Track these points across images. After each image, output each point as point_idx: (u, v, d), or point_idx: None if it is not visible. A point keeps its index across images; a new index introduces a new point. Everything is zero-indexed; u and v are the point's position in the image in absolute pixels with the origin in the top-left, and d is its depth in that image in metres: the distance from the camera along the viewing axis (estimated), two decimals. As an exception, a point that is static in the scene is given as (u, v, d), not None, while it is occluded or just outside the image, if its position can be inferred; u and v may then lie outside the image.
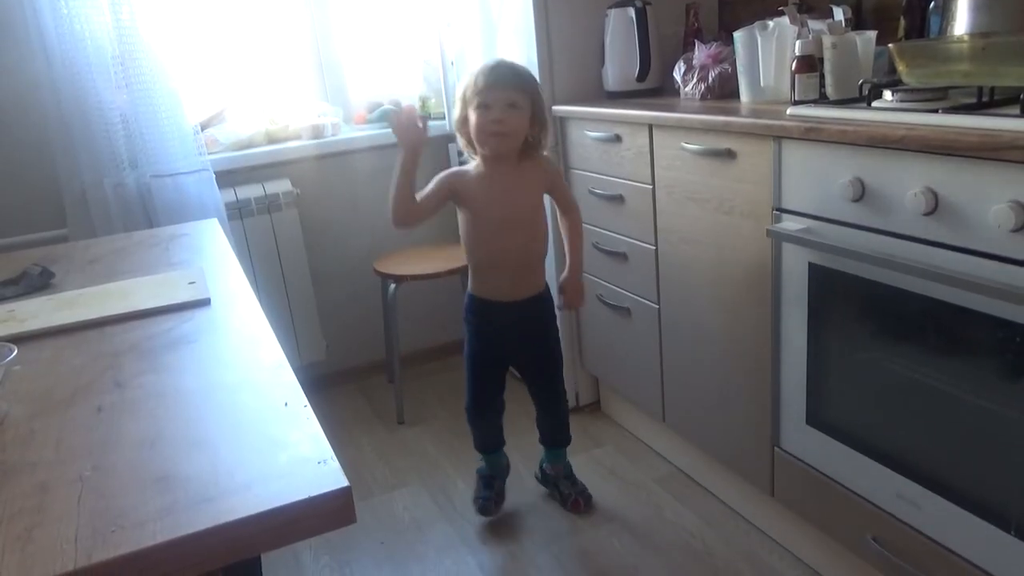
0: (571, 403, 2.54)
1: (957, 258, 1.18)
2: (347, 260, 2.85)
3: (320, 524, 0.65)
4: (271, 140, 2.73)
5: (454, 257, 2.63)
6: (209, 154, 2.50)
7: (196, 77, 2.63)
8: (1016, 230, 1.09)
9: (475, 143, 1.72)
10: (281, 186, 2.66)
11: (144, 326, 1.13)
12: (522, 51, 2.27)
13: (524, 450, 2.35)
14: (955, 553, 1.29)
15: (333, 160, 2.78)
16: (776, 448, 1.69)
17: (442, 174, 1.82)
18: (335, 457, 0.71)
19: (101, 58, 2.25)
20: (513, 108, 1.66)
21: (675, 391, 2.04)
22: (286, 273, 2.69)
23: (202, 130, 2.55)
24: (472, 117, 1.68)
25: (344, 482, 0.66)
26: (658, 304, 2.03)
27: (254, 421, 0.80)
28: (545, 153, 1.81)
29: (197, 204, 2.38)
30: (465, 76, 1.71)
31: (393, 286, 2.54)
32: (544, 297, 1.90)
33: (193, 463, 0.72)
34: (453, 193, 1.78)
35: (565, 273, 1.92)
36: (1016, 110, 1.13)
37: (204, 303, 1.21)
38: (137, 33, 2.26)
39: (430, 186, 1.80)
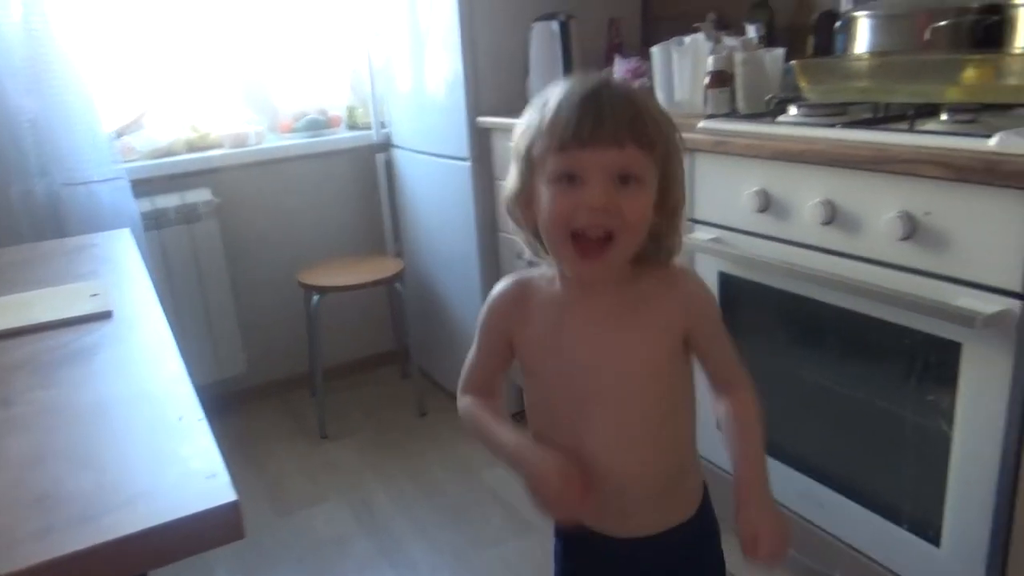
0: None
1: (853, 266, 1.23)
2: (270, 271, 2.79)
3: (206, 541, 0.64)
4: (191, 148, 2.66)
5: (379, 267, 2.61)
6: (125, 162, 2.42)
7: (113, 82, 2.55)
8: (904, 239, 1.15)
9: (547, 245, 0.87)
10: (201, 195, 2.59)
11: (40, 340, 1.09)
12: (448, 62, 2.27)
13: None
14: (855, 548, 1.34)
15: (257, 169, 2.73)
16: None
17: (489, 302, 0.97)
18: (226, 471, 0.69)
19: (8, 60, 2.16)
20: (629, 184, 0.81)
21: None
22: (205, 285, 2.62)
23: (118, 137, 2.47)
24: (543, 194, 0.84)
25: (232, 496, 0.65)
26: (581, 314, 2.05)
27: (145, 436, 0.78)
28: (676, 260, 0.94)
29: (111, 213, 2.30)
30: (532, 104, 0.88)
31: (317, 297, 2.50)
32: (697, 524, 1.00)
33: (77, 481, 0.69)
34: (508, 334, 0.95)
35: (737, 502, 0.89)
36: (906, 125, 1.19)
37: (105, 316, 1.17)
38: (49, 35, 2.18)
39: (477, 339, 1.00)
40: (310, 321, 2.64)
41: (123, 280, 1.37)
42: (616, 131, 0.80)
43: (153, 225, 2.49)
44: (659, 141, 0.83)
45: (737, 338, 1.59)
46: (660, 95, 1.84)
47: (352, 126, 2.93)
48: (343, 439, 2.56)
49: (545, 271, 0.95)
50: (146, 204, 2.48)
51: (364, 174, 2.91)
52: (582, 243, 0.83)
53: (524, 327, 0.93)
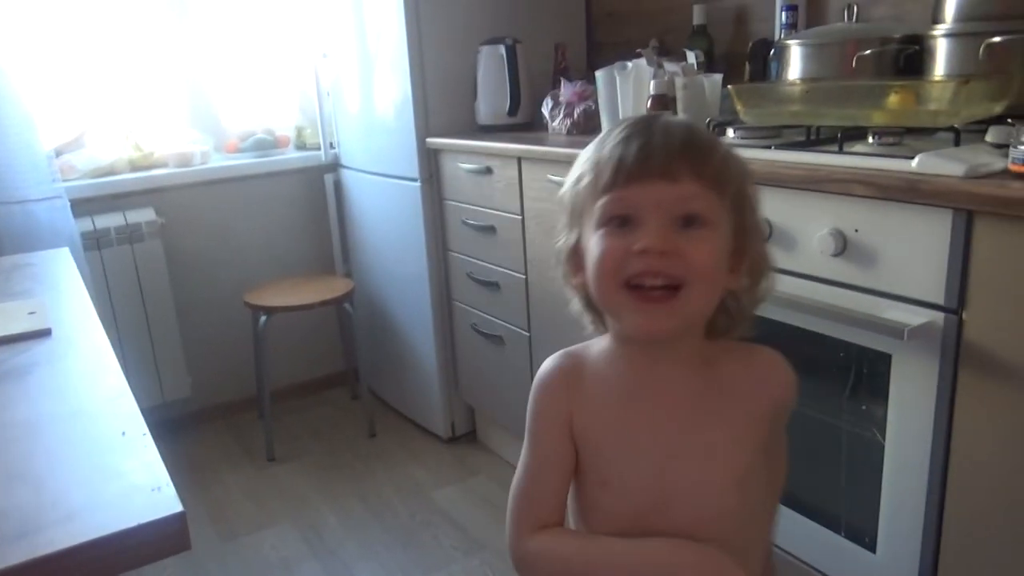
0: (447, 434, 2.55)
1: (789, 281, 1.28)
2: (216, 292, 2.75)
3: (151, 552, 0.63)
4: (135, 167, 2.62)
5: (328, 288, 2.60)
6: (65, 181, 2.37)
7: (53, 100, 2.50)
8: (836, 255, 1.20)
9: (599, 302, 0.75)
10: (145, 215, 2.55)
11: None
12: (397, 84, 2.29)
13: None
14: (795, 556, 1.38)
15: (202, 189, 2.69)
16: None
17: (537, 388, 0.81)
18: (171, 484, 0.68)
19: (-59, 77, 2.10)
20: (693, 226, 0.68)
21: (547, 417, 2.08)
22: (148, 306, 2.56)
23: (58, 156, 2.42)
24: (590, 244, 0.72)
25: (178, 508, 0.64)
26: (529, 332, 2.07)
27: (87, 452, 0.77)
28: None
29: (49, 233, 2.25)
30: (586, 150, 0.75)
31: (264, 318, 2.47)
32: None
33: (13, 497, 0.68)
34: (568, 423, 0.78)
35: None
36: (835, 147, 1.24)
37: (44, 334, 1.14)
38: (-15, 51, 2.13)
39: (529, 447, 0.82)
40: (257, 343, 2.61)
41: (62, 299, 1.35)
42: (668, 160, 0.67)
43: (94, 245, 2.43)
44: (727, 176, 0.69)
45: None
46: (605, 118, 1.88)
47: (300, 146, 2.92)
48: (291, 462, 2.52)
49: (601, 344, 0.79)
50: (87, 224, 2.42)
51: (312, 194, 2.90)
52: (641, 293, 0.68)
53: (582, 414, 0.76)
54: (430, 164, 2.31)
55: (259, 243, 2.83)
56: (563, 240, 0.77)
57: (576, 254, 0.75)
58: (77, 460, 0.75)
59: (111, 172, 2.56)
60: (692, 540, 0.72)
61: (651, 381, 0.75)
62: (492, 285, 2.18)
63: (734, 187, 0.71)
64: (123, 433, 0.80)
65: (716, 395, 0.75)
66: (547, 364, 0.82)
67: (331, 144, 2.83)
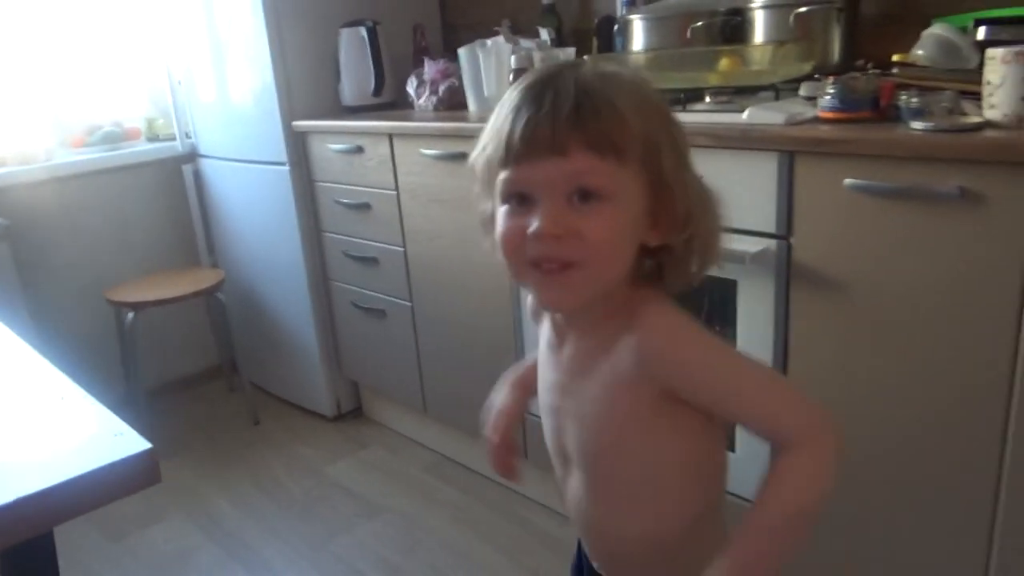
0: (333, 412, 2.59)
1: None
2: (75, 294, 2.63)
3: (130, 486, 0.68)
4: (-31, 166, 2.46)
5: (196, 279, 2.56)
6: None
7: None
8: (688, 199, 1.38)
9: (510, 276, 0.74)
10: (-14, 217, 2.40)
11: None
12: (257, 70, 2.29)
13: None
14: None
15: (50, 186, 2.56)
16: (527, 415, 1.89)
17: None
18: (131, 429, 0.74)
19: None
20: (591, 199, 0.66)
21: (434, 382, 2.19)
22: None
23: None
24: (497, 220, 0.71)
25: (146, 445, 0.70)
26: (411, 302, 2.16)
27: (38, 413, 0.80)
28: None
29: None
30: (494, 111, 0.72)
31: (131, 315, 2.41)
32: None
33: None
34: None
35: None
36: (680, 107, 1.43)
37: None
38: None
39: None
40: (124, 342, 2.53)
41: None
42: (555, 134, 0.64)
43: (-68, 251, 2.27)
44: (627, 141, 0.65)
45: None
46: (470, 93, 2.00)
47: (152, 138, 2.84)
48: (174, 458, 2.47)
49: None
50: (-79, 229, 2.26)
51: (170, 186, 2.83)
52: (541, 270, 0.68)
53: (537, 347, 0.84)
54: (297, 147, 2.34)
55: (117, 240, 2.73)
56: (481, 208, 0.74)
57: (491, 219, 0.72)
58: (33, 420, 0.78)
59: (-57, 173, 2.39)
60: (587, 483, 0.79)
61: (558, 340, 0.79)
62: (370, 260, 2.25)
63: (639, 146, 0.66)
64: (62, 398, 0.83)
65: (600, 352, 0.73)
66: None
67: (187, 134, 2.77)
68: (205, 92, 2.61)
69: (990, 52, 1.07)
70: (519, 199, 0.67)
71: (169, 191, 2.83)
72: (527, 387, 0.92)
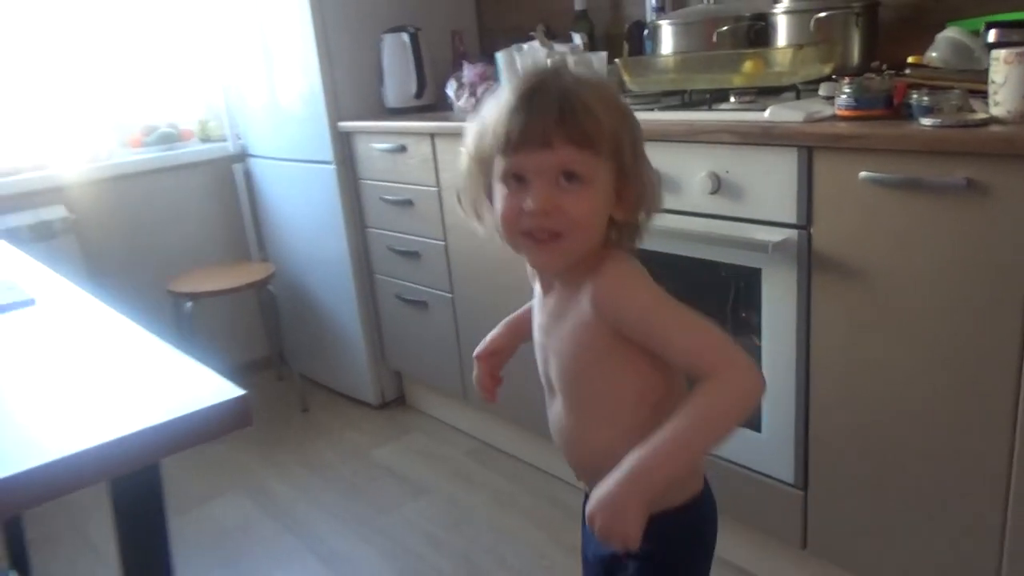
0: (377, 401, 2.73)
1: (677, 219, 1.56)
2: (135, 285, 2.79)
3: (226, 426, 0.80)
4: (41, 165, 2.63)
5: (248, 272, 2.71)
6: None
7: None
8: (712, 193, 1.49)
9: (507, 243, 0.90)
10: (55, 212, 2.57)
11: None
12: (306, 73, 2.43)
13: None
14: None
15: (112, 184, 2.73)
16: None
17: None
18: (228, 381, 0.86)
19: None
20: (573, 182, 0.83)
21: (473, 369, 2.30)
22: (69, 302, 2.59)
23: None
24: (496, 194, 0.88)
25: (241, 392, 0.82)
26: (451, 293, 2.29)
27: (146, 372, 0.92)
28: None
29: (-38, 234, 2.26)
30: (485, 102, 0.89)
31: (189, 304, 2.56)
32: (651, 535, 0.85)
33: (108, 397, 0.83)
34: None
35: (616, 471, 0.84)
36: (706, 106, 1.53)
37: (28, 303, 1.25)
38: None
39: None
40: (181, 330, 2.68)
41: (25, 277, 1.44)
42: (544, 131, 0.81)
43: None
44: (599, 136, 0.81)
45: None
46: (507, 94, 2.11)
47: (204, 139, 3.00)
48: (227, 441, 2.62)
49: None
50: (-3, 223, 2.44)
51: (222, 185, 2.99)
52: (533, 238, 0.85)
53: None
54: (343, 147, 2.47)
55: (173, 234, 2.89)
56: (467, 181, 0.92)
57: (487, 193, 0.90)
58: (145, 374, 0.91)
59: (16, 171, 2.57)
60: (566, 409, 0.96)
61: (544, 292, 0.97)
62: (413, 255, 2.37)
63: (609, 140, 0.82)
64: (167, 357, 0.96)
65: (571, 299, 0.91)
66: None
67: (237, 135, 2.93)
68: (255, 95, 2.76)
69: (995, 53, 1.16)
70: (516, 181, 0.84)
71: (221, 189, 2.99)
72: (518, 329, 1.10)
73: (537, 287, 1.00)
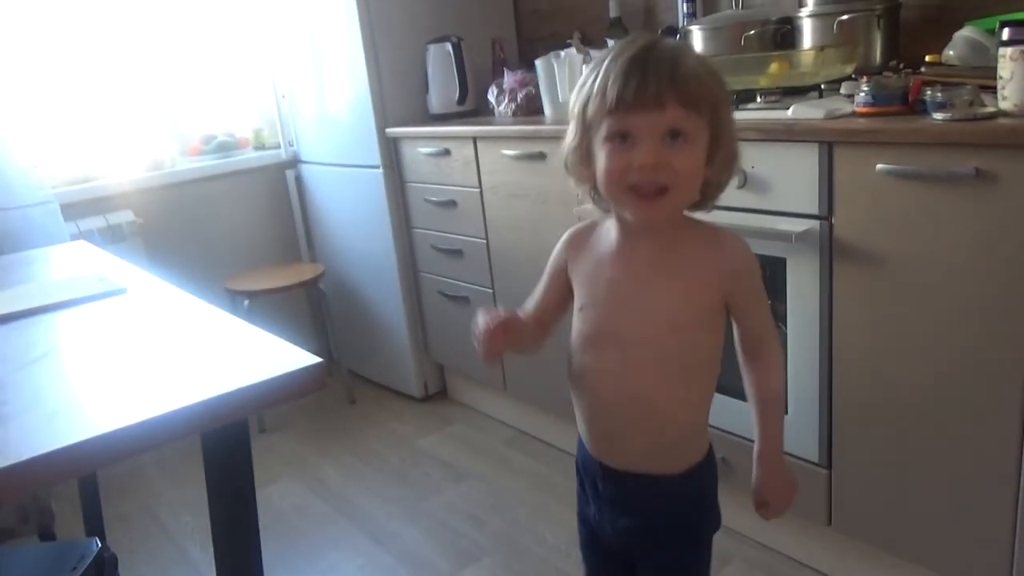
0: (420, 394, 2.85)
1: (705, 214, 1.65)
2: (195, 283, 2.91)
3: (305, 388, 0.93)
4: (110, 174, 2.82)
5: (300, 272, 2.87)
6: (52, 188, 2.57)
7: (27, 114, 2.68)
8: (740, 187, 1.58)
9: (607, 197, 0.96)
10: (124, 216, 2.76)
11: (75, 313, 1.31)
12: (354, 82, 2.58)
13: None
14: (733, 433, 1.75)
15: (174, 190, 2.92)
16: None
17: (563, 237, 1.10)
18: (305, 351, 0.98)
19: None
20: (678, 140, 0.89)
21: (513, 362, 2.41)
22: (135, 300, 2.77)
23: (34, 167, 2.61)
24: (599, 153, 0.93)
25: (317, 360, 0.94)
26: (492, 288, 2.40)
27: (237, 345, 1.05)
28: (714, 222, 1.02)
29: (42, 235, 2.43)
30: (588, 67, 0.96)
31: (247, 302, 2.72)
32: (678, 484, 1.04)
33: (204, 367, 0.96)
34: (565, 272, 1.08)
35: (756, 468, 1.07)
36: (734, 106, 1.62)
37: (120, 291, 1.40)
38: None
39: (543, 277, 1.12)
40: (239, 326, 2.84)
41: (111, 270, 1.59)
42: (658, 93, 0.86)
43: (82, 246, 2.63)
44: (704, 98, 0.88)
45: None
46: (546, 99, 2.23)
47: (259, 147, 3.17)
48: (280, 431, 2.78)
49: (606, 220, 1.03)
50: (72, 227, 2.62)
51: (275, 190, 3.16)
52: (640, 192, 0.91)
53: (578, 264, 1.05)
54: (390, 152, 2.61)
55: (229, 237, 3.07)
56: (572, 141, 0.96)
57: (587, 153, 0.95)
58: (236, 346, 1.04)
59: (87, 179, 2.76)
60: (631, 366, 0.99)
61: (627, 249, 1.00)
62: (456, 253, 2.50)
63: (710, 102, 0.90)
64: (251, 333, 1.09)
65: (673, 263, 0.97)
66: (568, 231, 1.10)
67: (289, 142, 3.09)
68: (306, 104, 2.92)
69: (1002, 51, 1.24)
70: (622, 137, 0.90)
71: (274, 194, 3.16)
72: (545, 328, 1.11)
73: (599, 248, 1.03)
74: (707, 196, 0.98)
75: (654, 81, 0.87)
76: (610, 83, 0.89)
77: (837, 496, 1.60)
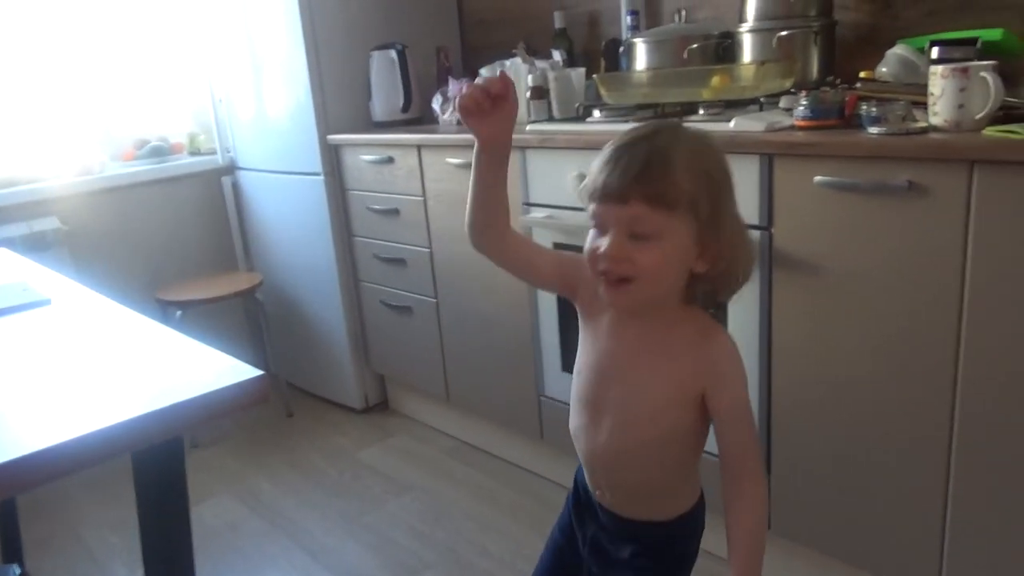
0: (361, 405, 2.80)
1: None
2: (125, 294, 2.83)
3: (247, 402, 0.89)
4: (35, 178, 2.69)
5: (236, 281, 2.79)
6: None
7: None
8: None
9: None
10: (48, 223, 2.63)
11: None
12: (294, 88, 2.53)
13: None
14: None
15: (104, 196, 2.80)
16: (541, 396, 2.10)
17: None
18: (244, 363, 0.94)
19: None
20: (638, 240, 0.89)
21: (457, 372, 2.39)
22: (60, 310, 2.65)
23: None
24: (588, 235, 0.95)
25: (258, 372, 0.91)
26: (436, 298, 2.38)
27: (169, 357, 1.01)
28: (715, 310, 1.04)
29: (-42, 242, 2.31)
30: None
31: (179, 312, 2.63)
32: (656, 535, 1.07)
33: (136, 383, 0.92)
34: (576, 286, 1.06)
35: None
36: (677, 119, 1.64)
37: (45, 303, 1.33)
38: None
39: (555, 251, 1.18)
40: (171, 337, 2.74)
41: (32, 280, 1.51)
42: (622, 188, 0.88)
43: None
44: (677, 197, 0.87)
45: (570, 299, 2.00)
46: (490, 108, 2.22)
47: (194, 152, 3.08)
48: (214, 446, 2.69)
49: None
50: (-10, 233, 2.49)
51: (211, 197, 3.07)
52: (607, 279, 0.92)
53: (586, 310, 1.05)
54: (331, 159, 2.56)
55: (162, 246, 2.96)
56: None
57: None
58: (168, 359, 0.99)
59: (10, 184, 2.63)
60: (616, 430, 1.01)
61: (620, 326, 1.01)
62: (398, 262, 2.46)
63: (687, 200, 0.88)
64: (184, 345, 1.04)
65: (661, 351, 0.97)
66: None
67: (226, 148, 3.01)
68: (244, 109, 2.85)
69: (932, 69, 1.28)
70: (598, 225, 0.92)
71: (209, 201, 3.06)
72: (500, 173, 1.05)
73: (606, 317, 1.03)
74: (705, 290, 0.96)
75: (621, 175, 0.88)
76: (597, 170, 0.91)
77: (777, 501, 1.63)
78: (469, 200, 1.06)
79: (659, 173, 0.87)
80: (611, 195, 0.89)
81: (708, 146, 0.93)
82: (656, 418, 0.98)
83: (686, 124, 1.06)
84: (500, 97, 0.95)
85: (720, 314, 1.62)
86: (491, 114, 0.96)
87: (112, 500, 2.33)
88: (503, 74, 0.98)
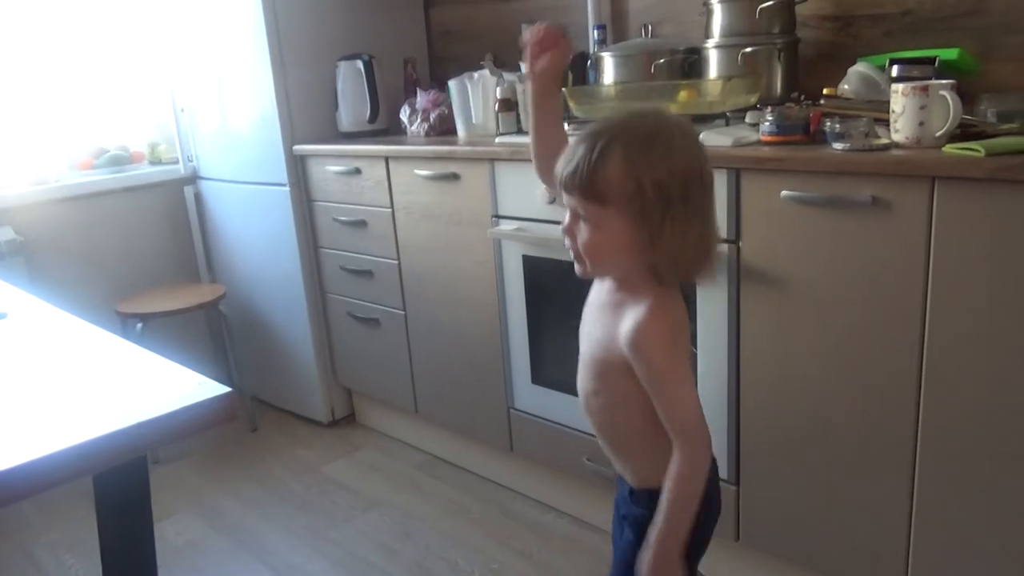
0: (327, 419, 2.77)
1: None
2: (84, 307, 2.76)
3: (214, 420, 0.87)
4: (-15, 187, 2.62)
5: (199, 293, 2.74)
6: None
7: None
8: (652, 210, 1.61)
9: None
10: (2, 234, 2.56)
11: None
12: (261, 98, 2.50)
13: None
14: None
15: (59, 206, 2.73)
16: (511, 409, 2.09)
17: None
18: (211, 380, 0.92)
19: None
20: (582, 222, 1.01)
21: (425, 385, 2.37)
22: (15, 323, 2.57)
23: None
24: None
25: (227, 390, 0.89)
26: (404, 310, 2.36)
27: (134, 375, 0.98)
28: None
29: (-92, 254, 2.24)
30: None
31: (140, 325, 2.57)
32: (638, 502, 1.15)
33: (102, 400, 0.89)
34: None
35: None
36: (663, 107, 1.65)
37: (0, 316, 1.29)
38: None
39: None
40: (131, 351, 2.68)
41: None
42: (564, 181, 1.00)
43: (-47, 265, 2.43)
44: (608, 195, 0.96)
45: (540, 306, 2.01)
46: (459, 120, 2.22)
47: (155, 161, 3.02)
48: (176, 462, 2.62)
49: None
50: (-58, 245, 2.42)
51: (173, 207, 3.01)
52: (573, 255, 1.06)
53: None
54: (297, 170, 2.54)
55: (122, 257, 2.90)
56: None
57: None
58: (133, 377, 0.96)
59: (-38, 193, 2.55)
60: (585, 387, 1.13)
61: (602, 284, 1.12)
62: (366, 273, 2.44)
63: (623, 196, 0.96)
64: (147, 361, 1.01)
65: (611, 314, 1.07)
66: None
67: (188, 158, 2.96)
68: (207, 119, 2.80)
69: (894, 86, 1.31)
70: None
71: (171, 211, 3.01)
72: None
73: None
74: (668, 275, 1.02)
75: (565, 168, 1.00)
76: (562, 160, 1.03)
77: (745, 512, 1.64)
78: (531, 135, 1.23)
79: (594, 169, 0.97)
80: (562, 184, 1.01)
81: (662, 147, 0.98)
82: (595, 374, 1.11)
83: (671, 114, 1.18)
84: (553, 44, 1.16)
85: (691, 328, 1.63)
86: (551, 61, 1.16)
87: (68, 518, 2.27)
88: (549, 26, 1.16)
